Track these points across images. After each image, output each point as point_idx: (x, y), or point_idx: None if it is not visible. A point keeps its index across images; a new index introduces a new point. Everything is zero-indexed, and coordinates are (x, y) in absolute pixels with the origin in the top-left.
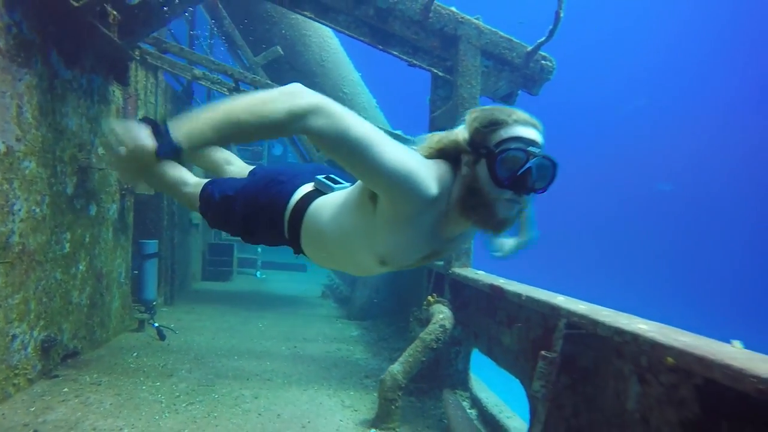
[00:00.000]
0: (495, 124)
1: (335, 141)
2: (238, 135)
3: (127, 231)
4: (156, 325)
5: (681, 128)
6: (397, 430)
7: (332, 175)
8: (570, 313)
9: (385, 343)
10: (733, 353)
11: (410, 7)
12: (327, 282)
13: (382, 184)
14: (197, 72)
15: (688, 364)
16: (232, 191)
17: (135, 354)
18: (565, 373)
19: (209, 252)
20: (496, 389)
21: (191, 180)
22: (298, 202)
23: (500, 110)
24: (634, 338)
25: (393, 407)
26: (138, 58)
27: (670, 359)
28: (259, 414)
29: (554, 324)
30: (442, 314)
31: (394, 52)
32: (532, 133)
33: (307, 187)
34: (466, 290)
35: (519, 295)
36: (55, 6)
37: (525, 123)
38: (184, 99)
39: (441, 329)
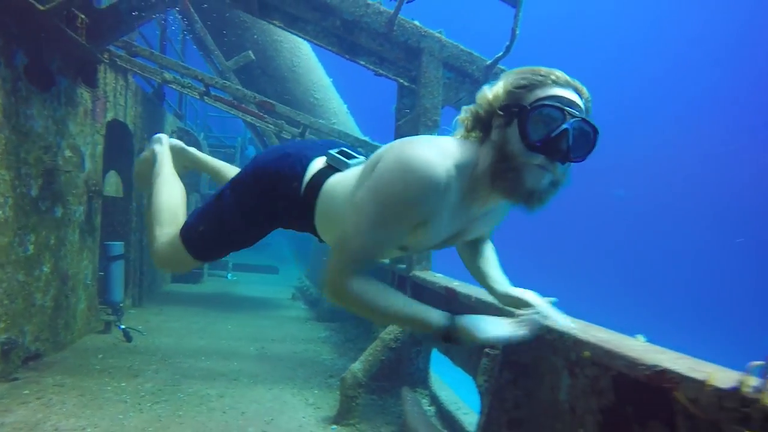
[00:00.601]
0: (532, 84)
1: None
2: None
3: (94, 233)
4: (122, 327)
5: (636, 135)
6: (357, 426)
7: (345, 149)
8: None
9: (352, 344)
10: (634, 346)
11: (375, 20)
12: (298, 284)
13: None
14: (168, 76)
15: (599, 357)
16: (218, 191)
17: (100, 355)
18: (508, 369)
19: None
20: (458, 388)
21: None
22: (311, 180)
23: (538, 70)
24: (561, 335)
25: (353, 404)
26: (107, 61)
27: (586, 353)
28: (224, 412)
29: None
30: None
31: (361, 62)
32: (572, 95)
33: (319, 163)
34: (425, 292)
35: (469, 297)
36: (21, 10)
37: (565, 84)
38: (154, 101)
39: (399, 330)
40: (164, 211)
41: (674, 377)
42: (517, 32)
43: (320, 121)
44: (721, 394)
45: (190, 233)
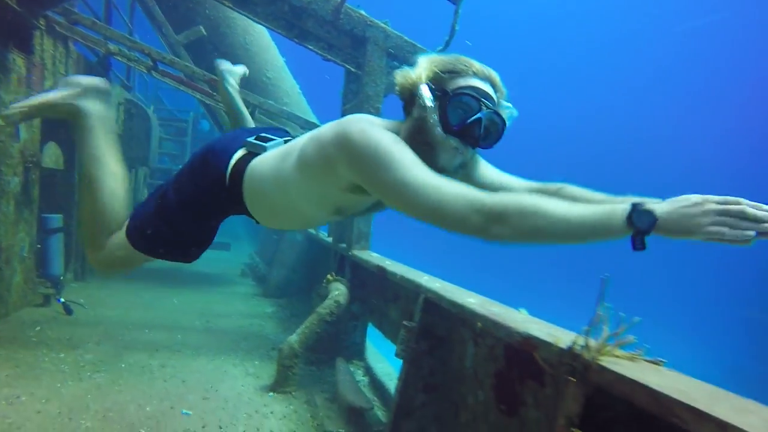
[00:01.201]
0: (454, 72)
1: None
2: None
3: (31, 205)
4: (62, 300)
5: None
6: (293, 393)
7: (262, 134)
8: (427, 290)
9: (297, 319)
10: (516, 318)
11: (323, 7)
12: (248, 261)
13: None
14: (113, 47)
15: (489, 328)
16: (159, 188)
17: (38, 328)
18: (424, 339)
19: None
20: (395, 360)
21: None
22: (232, 169)
23: (460, 59)
24: (462, 309)
25: (290, 373)
26: (42, 27)
27: (479, 324)
28: (165, 381)
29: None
30: (337, 291)
31: (310, 47)
32: (487, 88)
33: (241, 152)
34: (362, 271)
35: (395, 275)
36: None
37: (483, 77)
38: (99, 71)
39: (335, 304)
40: (107, 214)
41: (536, 342)
42: (456, 28)
43: (269, 101)
44: (561, 352)
45: (137, 236)
